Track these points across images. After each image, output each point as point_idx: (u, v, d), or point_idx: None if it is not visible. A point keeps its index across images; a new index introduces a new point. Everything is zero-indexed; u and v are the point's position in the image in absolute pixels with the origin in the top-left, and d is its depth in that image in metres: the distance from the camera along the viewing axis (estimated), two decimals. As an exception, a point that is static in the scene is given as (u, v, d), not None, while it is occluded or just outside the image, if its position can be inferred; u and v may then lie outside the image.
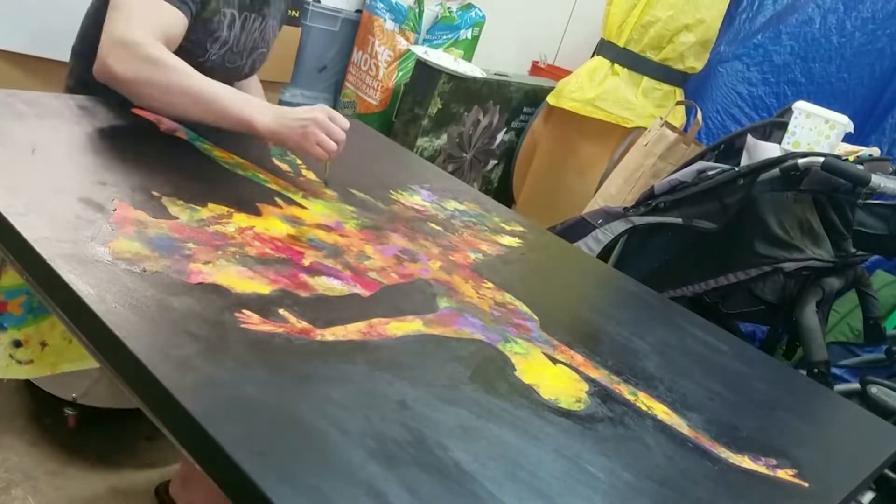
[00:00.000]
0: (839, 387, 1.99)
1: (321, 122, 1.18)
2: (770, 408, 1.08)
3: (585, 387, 0.94)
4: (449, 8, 3.04)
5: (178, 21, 1.24)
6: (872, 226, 1.96)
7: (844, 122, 1.99)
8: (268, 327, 0.82)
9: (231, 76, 1.45)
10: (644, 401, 0.95)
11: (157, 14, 1.19)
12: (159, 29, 1.19)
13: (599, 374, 0.98)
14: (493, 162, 3.14)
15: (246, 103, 1.19)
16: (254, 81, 1.68)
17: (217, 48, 1.36)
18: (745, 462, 0.90)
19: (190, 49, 1.31)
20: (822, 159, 1.78)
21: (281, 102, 2.98)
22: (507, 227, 1.40)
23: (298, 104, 3.01)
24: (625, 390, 0.97)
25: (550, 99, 2.93)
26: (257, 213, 1.09)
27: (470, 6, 3.11)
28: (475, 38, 3.16)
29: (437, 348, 0.92)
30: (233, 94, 1.20)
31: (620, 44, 2.79)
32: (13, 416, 1.69)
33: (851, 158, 1.88)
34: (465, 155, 2.99)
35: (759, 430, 0.99)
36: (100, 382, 1.63)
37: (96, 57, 1.18)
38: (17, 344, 1.15)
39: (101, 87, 1.23)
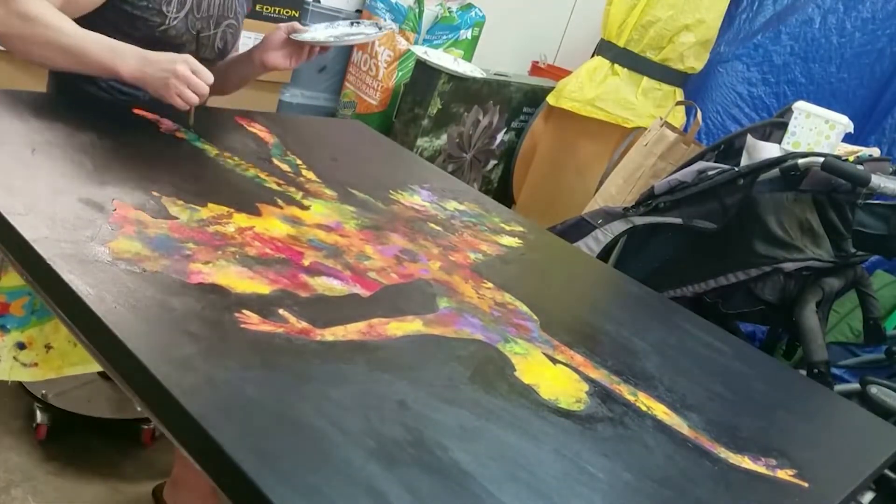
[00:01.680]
0: (839, 387, 1.99)
1: (182, 74, 1.20)
2: (770, 408, 1.08)
3: (585, 387, 0.94)
4: (449, 8, 3.04)
5: None
6: (872, 226, 1.96)
7: (844, 123, 1.99)
8: (268, 327, 0.82)
9: (203, 48, 1.43)
10: (644, 401, 0.95)
11: None
12: None
13: (599, 375, 0.98)
14: (493, 162, 3.14)
15: (110, 51, 1.21)
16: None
17: (175, 9, 1.35)
18: (745, 462, 0.90)
19: (148, 17, 1.31)
20: (822, 159, 1.78)
21: (281, 102, 2.98)
22: (507, 228, 1.40)
23: (298, 104, 3.02)
24: (625, 390, 0.97)
25: (550, 99, 2.93)
26: (257, 213, 1.09)
27: (470, 6, 3.11)
28: (475, 38, 3.16)
29: (437, 348, 0.92)
30: (99, 42, 1.21)
31: (620, 44, 2.79)
32: (13, 416, 1.69)
33: (851, 158, 1.88)
34: (465, 155, 2.99)
35: (759, 430, 0.99)
36: (80, 389, 1.63)
37: None
38: (21, 346, 1.15)
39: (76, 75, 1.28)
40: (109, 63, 1.20)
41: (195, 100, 1.22)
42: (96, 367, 1.22)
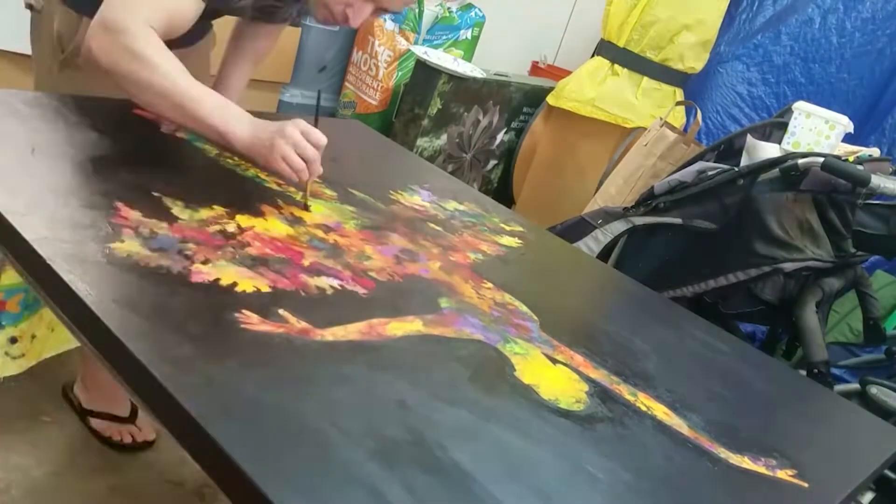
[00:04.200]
0: (839, 387, 1.99)
1: (289, 134, 1.09)
2: (770, 408, 1.08)
3: (585, 387, 0.94)
4: (449, 8, 3.04)
5: (190, 7, 1.16)
6: (872, 226, 1.96)
7: (844, 123, 1.99)
8: (268, 327, 0.82)
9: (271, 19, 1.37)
10: (644, 401, 0.95)
11: None
12: (162, 14, 1.10)
13: (599, 375, 0.98)
14: (493, 162, 3.14)
15: (224, 115, 1.11)
16: (237, 74, 1.61)
17: None
18: (745, 462, 0.90)
19: None
20: (821, 159, 1.78)
21: (281, 102, 2.98)
22: (507, 228, 1.40)
23: (298, 104, 3.02)
24: (624, 390, 0.97)
25: (550, 99, 2.93)
26: (257, 213, 1.09)
27: (470, 6, 3.11)
28: (475, 38, 3.16)
29: (437, 348, 0.92)
30: (213, 103, 1.11)
31: (620, 44, 2.79)
32: (13, 416, 1.69)
33: (851, 159, 1.88)
34: (465, 155, 2.99)
35: (759, 430, 0.99)
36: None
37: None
38: (13, 341, 1.15)
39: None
40: (222, 128, 1.10)
41: (300, 164, 1.10)
42: (70, 346, 1.26)
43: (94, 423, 1.68)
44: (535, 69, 3.55)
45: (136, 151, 1.18)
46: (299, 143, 1.10)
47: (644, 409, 0.94)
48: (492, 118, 2.98)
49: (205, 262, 0.90)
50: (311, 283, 0.95)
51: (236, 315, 0.83)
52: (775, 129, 2.09)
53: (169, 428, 0.72)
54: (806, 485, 0.89)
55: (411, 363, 0.87)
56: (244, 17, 1.45)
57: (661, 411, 0.94)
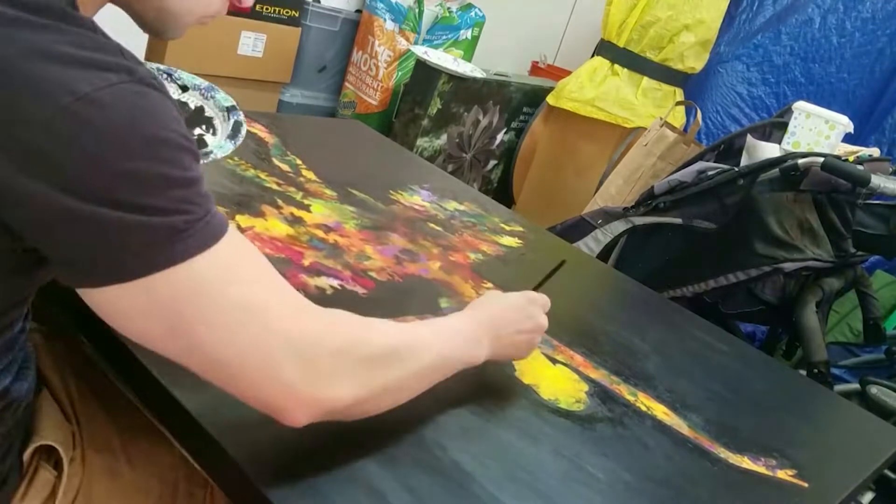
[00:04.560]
0: (839, 387, 1.99)
1: (544, 326, 0.88)
2: (770, 408, 1.08)
3: (585, 387, 0.94)
4: (449, 8, 3.04)
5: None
6: (872, 226, 1.96)
7: (844, 123, 1.99)
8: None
9: None
10: (644, 401, 0.95)
11: (262, 261, 0.63)
12: (275, 275, 0.63)
13: (599, 375, 0.98)
14: (493, 162, 3.14)
15: (465, 344, 0.78)
16: None
17: None
18: (745, 462, 0.90)
19: None
20: (821, 159, 1.78)
21: (281, 102, 2.98)
22: (507, 228, 1.40)
23: (298, 104, 3.02)
24: (624, 390, 0.97)
25: (550, 99, 2.93)
26: (257, 213, 1.09)
27: (470, 6, 3.11)
28: (475, 38, 3.16)
29: (436, 348, 0.92)
30: (451, 343, 0.76)
31: (620, 44, 2.79)
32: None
33: (851, 159, 1.88)
34: (465, 155, 2.99)
35: (759, 430, 0.99)
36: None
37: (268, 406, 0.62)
38: None
39: None
40: (468, 361, 0.78)
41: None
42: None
43: None
44: (535, 69, 3.55)
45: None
46: (544, 327, 0.88)
47: (644, 409, 0.94)
48: (492, 118, 2.98)
49: (205, 262, 0.90)
50: (311, 283, 0.95)
51: (236, 315, 0.83)
52: (775, 129, 2.09)
53: (168, 427, 0.72)
54: (806, 485, 0.89)
55: (411, 363, 0.87)
56: None
57: (661, 411, 0.94)
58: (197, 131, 1.09)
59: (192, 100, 1.12)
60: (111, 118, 0.51)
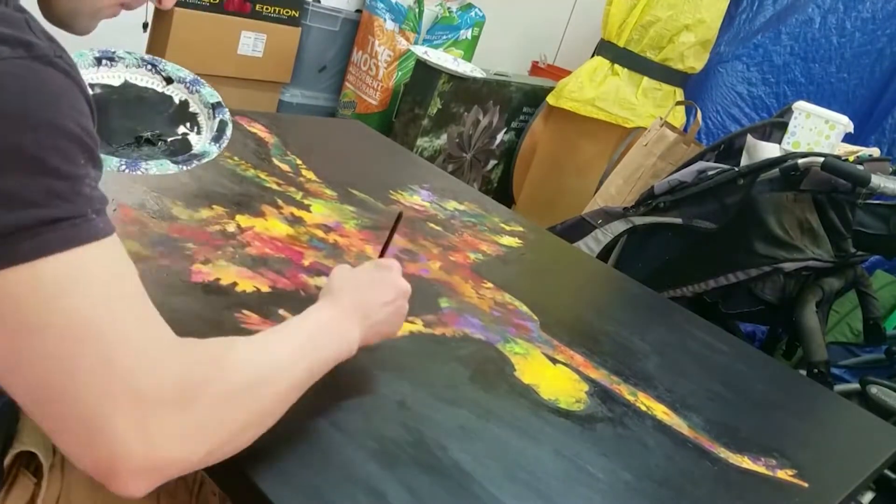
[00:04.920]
0: (839, 387, 1.99)
1: (405, 289, 0.82)
2: (770, 408, 1.08)
3: (585, 387, 0.94)
4: (449, 8, 3.04)
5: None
6: (872, 226, 1.96)
7: (844, 123, 1.99)
8: (268, 327, 0.82)
9: None
10: (644, 401, 0.95)
11: (134, 284, 0.55)
12: (147, 308, 0.55)
13: (599, 375, 0.98)
14: (493, 162, 3.14)
15: (334, 343, 0.71)
16: None
17: None
18: (745, 462, 0.90)
19: None
20: (821, 159, 1.78)
21: (281, 102, 2.98)
22: (507, 228, 1.40)
23: (298, 104, 3.02)
24: (624, 390, 0.97)
25: (550, 99, 2.93)
26: (257, 213, 1.09)
27: (470, 6, 3.11)
28: (475, 38, 3.16)
29: (437, 348, 0.92)
30: (319, 350, 0.69)
31: (620, 44, 2.79)
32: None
33: (851, 158, 1.88)
34: (465, 155, 2.99)
35: (759, 430, 0.99)
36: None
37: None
38: None
39: None
40: (340, 357, 0.72)
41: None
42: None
43: None
44: (535, 69, 3.55)
45: (136, 151, 1.18)
46: (407, 290, 0.82)
47: (644, 409, 0.94)
48: (492, 118, 2.98)
49: (205, 262, 0.91)
50: (311, 282, 0.95)
51: (236, 315, 0.83)
52: (775, 128, 2.09)
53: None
54: (806, 485, 0.89)
55: (411, 363, 0.87)
56: None
57: (661, 411, 0.94)
58: (181, 130, 1.04)
59: (177, 93, 1.08)
60: None
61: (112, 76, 1.03)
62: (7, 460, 0.68)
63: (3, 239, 0.45)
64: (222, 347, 0.58)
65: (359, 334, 0.73)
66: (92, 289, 0.49)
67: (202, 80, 1.10)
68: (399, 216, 0.86)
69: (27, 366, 0.48)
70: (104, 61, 1.01)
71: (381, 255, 0.86)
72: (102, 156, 0.56)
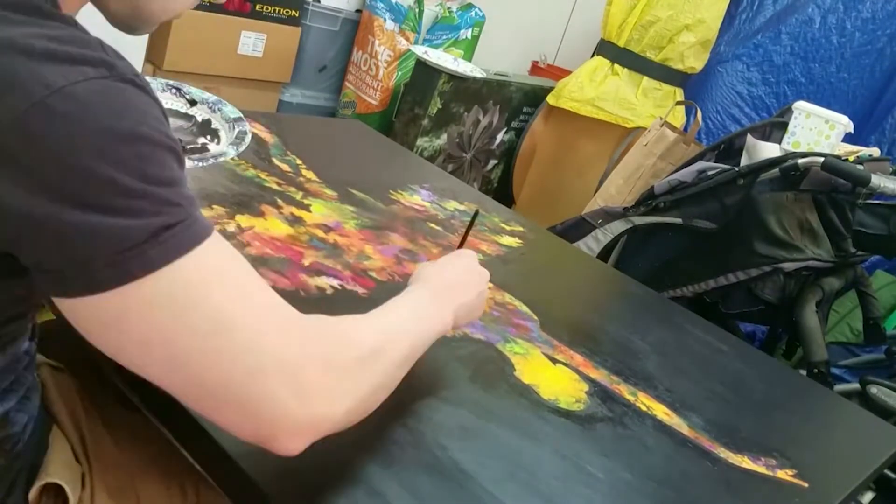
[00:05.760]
0: (839, 387, 1.99)
1: (487, 275, 0.87)
2: (770, 408, 1.08)
3: (585, 387, 0.94)
4: (449, 8, 3.04)
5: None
6: (872, 226, 1.96)
7: (844, 123, 1.99)
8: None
9: None
10: (644, 401, 0.95)
11: (248, 269, 0.58)
12: (261, 282, 0.58)
13: (599, 374, 0.98)
14: (493, 162, 3.14)
15: (434, 320, 0.76)
16: None
17: None
18: (745, 462, 0.90)
19: None
20: (822, 159, 1.78)
21: (281, 102, 2.98)
22: (507, 227, 1.40)
23: (298, 104, 3.02)
24: (624, 390, 0.97)
25: (550, 99, 2.93)
26: (257, 213, 1.09)
27: (470, 6, 3.11)
28: (475, 38, 3.16)
29: (437, 348, 0.92)
30: (421, 323, 0.74)
31: (620, 44, 2.79)
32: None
33: (851, 158, 1.88)
34: (465, 155, 2.99)
35: (759, 430, 0.99)
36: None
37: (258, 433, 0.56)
38: None
39: None
40: (439, 333, 0.76)
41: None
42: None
43: None
44: (535, 69, 3.55)
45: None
46: (487, 276, 0.88)
47: (644, 409, 0.94)
48: (492, 118, 2.98)
49: (205, 262, 0.90)
50: (311, 282, 0.95)
51: (236, 315, 0.83)
52: (775, 128, 2.09)
53: (168, 427, 0.72)
54: (806, 485, 0.89)
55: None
56: None
57: (661, 411, 0.94)
58: (201, 140, 1.10)
59: (200, 113, 1.15)
60: (86, 113, 0.47)
61: None
62: (33, 492, 0.66)
63: (129, 252, 0.48)
64: (343, 321, 0.64)
65: (451, 315, 0.78)
66: (222, 281, 0.53)
67: (225, 101, 1.17)
68: (476, 213, 0.95)
69: (181, 367, 0.52)
70: None
71: (460, 247, 0.93)
72: None
